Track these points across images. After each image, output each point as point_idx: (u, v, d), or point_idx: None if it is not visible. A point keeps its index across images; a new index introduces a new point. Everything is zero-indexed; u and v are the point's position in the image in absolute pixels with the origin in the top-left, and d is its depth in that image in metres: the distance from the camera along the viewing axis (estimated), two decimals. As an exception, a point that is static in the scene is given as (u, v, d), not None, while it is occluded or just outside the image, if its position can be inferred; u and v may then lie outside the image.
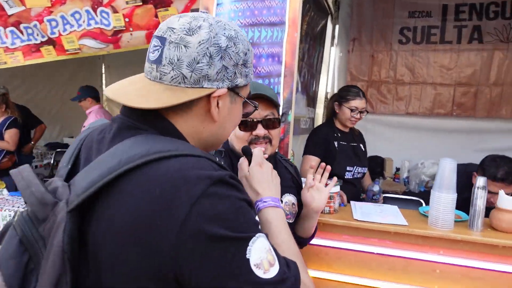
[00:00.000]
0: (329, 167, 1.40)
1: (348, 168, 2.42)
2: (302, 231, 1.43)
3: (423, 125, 4.15)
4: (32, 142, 4.28)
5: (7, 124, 3.64)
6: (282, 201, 1.38)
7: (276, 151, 1.41)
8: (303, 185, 1.44)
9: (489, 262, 1.69)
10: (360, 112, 2.39)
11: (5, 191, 2.71)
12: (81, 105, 4.05)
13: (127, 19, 2.73)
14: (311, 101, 3.52)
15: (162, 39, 0.71)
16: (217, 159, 0.71)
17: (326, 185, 1.39)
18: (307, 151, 2.43)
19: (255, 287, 0.62)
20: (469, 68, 3.96)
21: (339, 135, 2.47)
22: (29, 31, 2.91)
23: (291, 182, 1.48)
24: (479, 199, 1.72)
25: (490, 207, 1.81)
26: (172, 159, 0.63)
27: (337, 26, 4.20)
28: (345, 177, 2.40)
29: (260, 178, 0.97)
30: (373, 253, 1.82)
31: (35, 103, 4.94)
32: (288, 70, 1.85)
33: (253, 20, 1.83)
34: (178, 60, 0.70)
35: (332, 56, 4.24)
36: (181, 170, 0.62)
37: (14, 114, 3.72)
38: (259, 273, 0.62)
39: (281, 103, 1.83)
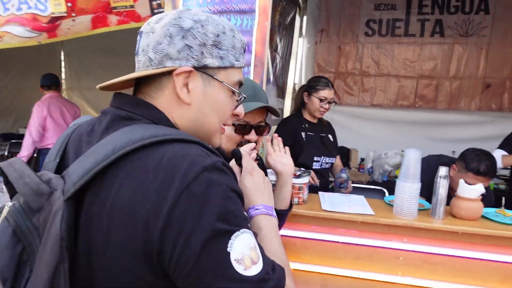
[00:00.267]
0: (280, 138, 1.43)
1: (315, 158, 2.45)
2: (281, 202, 1.42)
3: (387, 116, 4.26)
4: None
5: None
6: None
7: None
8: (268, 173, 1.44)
9: (449, 248, 1.76)
10: (329, 102, 2.42)
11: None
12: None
13: (69, 4, 2.46)
14: (281, 92, 3.52)
15: (140, 33, 0.76)
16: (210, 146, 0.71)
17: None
18: None
19: (233, 283, 0.60)
20: (431, 61, 4.09)
21: (307, 126, 2.49)
22: None
23: None
24: (441, 188, 1.78)
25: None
26: (167, 145, 0.65)
27: (305, 17, 4.20)
28: (313, 167, 2.43)
29: (252, 186, 0.97)
30: (340, 242, 1.85)
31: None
32: (258, 60, 1.83)
33: (222, 7, 1.79)
34: (147, 46, 0.74)
35: (300, 47, 4.24)
36: (175, 156, 0.63)
37: None
38: (239, 268, 0.60)
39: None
